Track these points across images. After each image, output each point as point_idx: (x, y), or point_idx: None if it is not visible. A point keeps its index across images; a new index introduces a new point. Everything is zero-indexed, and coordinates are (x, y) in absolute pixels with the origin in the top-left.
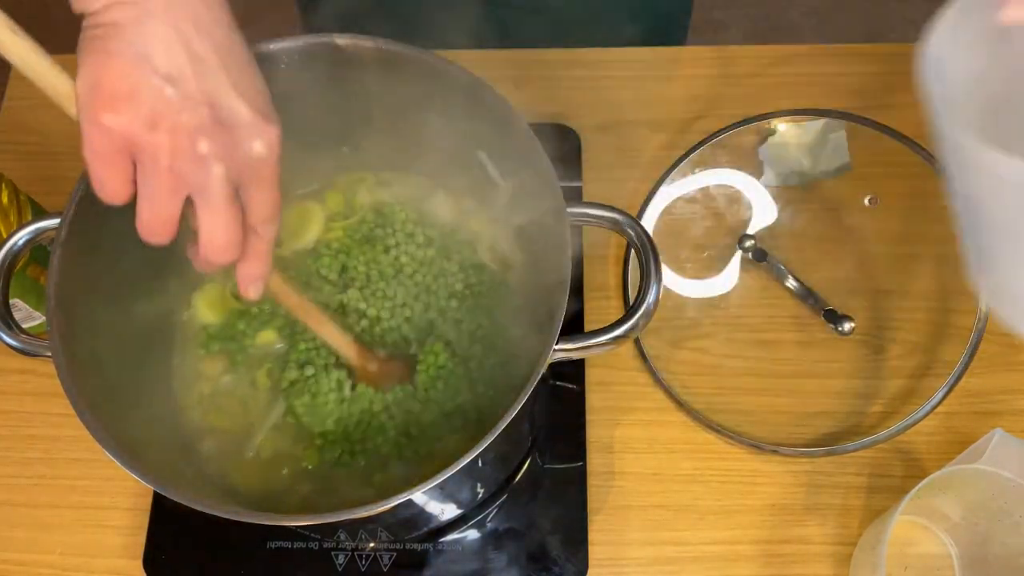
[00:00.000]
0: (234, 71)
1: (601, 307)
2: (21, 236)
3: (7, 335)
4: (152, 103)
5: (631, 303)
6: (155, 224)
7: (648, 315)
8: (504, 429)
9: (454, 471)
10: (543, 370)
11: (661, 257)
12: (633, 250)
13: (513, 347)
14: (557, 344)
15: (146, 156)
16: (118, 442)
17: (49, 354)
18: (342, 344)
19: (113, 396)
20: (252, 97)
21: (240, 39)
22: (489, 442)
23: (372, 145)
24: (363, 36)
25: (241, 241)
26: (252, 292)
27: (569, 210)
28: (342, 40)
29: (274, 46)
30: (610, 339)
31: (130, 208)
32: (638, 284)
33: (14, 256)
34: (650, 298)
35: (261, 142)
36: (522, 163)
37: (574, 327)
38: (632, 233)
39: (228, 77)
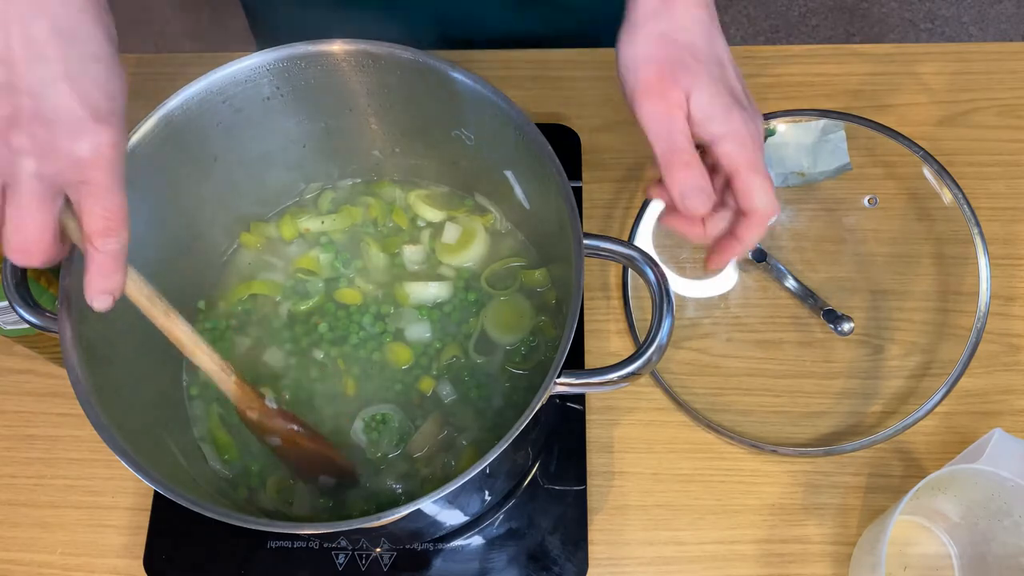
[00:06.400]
0: (74, 62)
1: (601, 306)
2: None
3: (25, 311)
4: None
5: (641, 340)
6: None
7: (661, 350)
8: (509, 446)
9: (442, 494)
10: (540, 403)
11: (661, 257)
12: (647, 287)
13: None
14: (560, 378)
15: None
16: (119, 430)
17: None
18: (218, 375)
19: (117, 382)
20: (87, 92)
21: (92, 23)
22: (473, 474)
23: (402, 155)
24: (400, 47)
25: (49, 247)
26: (97, 304)
27: (585, 243)
28: (375, 48)
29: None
30: (623, 376)
31: (141, 204)
32: (644, 293)
33: None
34: (662, 333)
35: (86, 144)
36: (543, 187)
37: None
38: (649, 272)
39: (64, 67)
